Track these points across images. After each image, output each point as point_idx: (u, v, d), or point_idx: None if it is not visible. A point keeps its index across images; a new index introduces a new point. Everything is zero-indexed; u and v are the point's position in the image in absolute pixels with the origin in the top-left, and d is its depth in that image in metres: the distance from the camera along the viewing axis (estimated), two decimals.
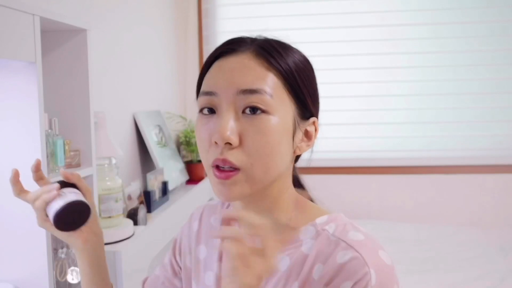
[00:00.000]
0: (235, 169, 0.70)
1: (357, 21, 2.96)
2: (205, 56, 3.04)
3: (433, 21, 2.92)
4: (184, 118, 2.72)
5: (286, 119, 0.72)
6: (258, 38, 0.77)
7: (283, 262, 0.75)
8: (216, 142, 0.70)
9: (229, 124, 0.69)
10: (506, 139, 2.94)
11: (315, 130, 0.78)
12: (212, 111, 0.73)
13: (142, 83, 2.28)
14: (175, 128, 2.67)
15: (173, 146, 2.49)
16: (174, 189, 2.34)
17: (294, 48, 0.77)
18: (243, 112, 0.70)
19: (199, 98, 0.75)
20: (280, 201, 0.77)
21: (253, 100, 0.70)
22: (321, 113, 0.81)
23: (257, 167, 0.70)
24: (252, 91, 0.70)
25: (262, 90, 0.70)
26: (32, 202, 0.80)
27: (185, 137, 2.64)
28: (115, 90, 1.96)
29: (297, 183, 0.85)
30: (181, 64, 2.94)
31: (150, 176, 1.99)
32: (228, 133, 0.69)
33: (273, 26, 2.94)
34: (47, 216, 0.80)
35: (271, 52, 0.73)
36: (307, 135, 0.77)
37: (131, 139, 2.11)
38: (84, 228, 0.83)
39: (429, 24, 2.92)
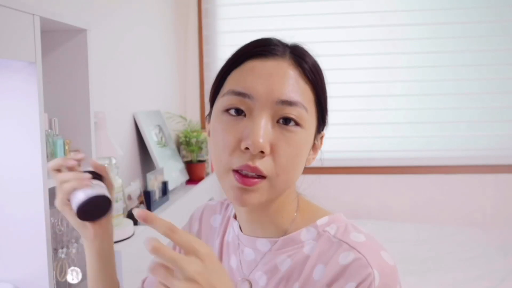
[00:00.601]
0: (260, 176, 0.68)
1: (357, 21, 2.96)
2: (205, 56, 3.05)
3: (433, 21, 2.91)
4: (184, 118, 2.72)
5: (311, 133, 0.74)
6: (287, 43, 0.75)
7: (284, 263, 0.76)
8: (247, 148, 0.67)
9: (266, 132, 0.67)
10: (506, 139, 2.94)
11: (321, 143, 0.79)
12: (239, 112, 0.70)
13: (142, 83, 2.28)
14: (175, 128, 2.67)
15: (173, 146, 2.49)
16: (174, 189, 2.34)
17: (314, 57, 0.77)
18: (277, 121, 0.69)
19: (226, 96, 0.71)
20: (284, 206, 0.77)
21: (291, 112, 0.69)
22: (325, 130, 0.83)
23: (282, 177, 0.70)
24: (291, 103, 0.69)
25: (301, 104, 0.70)
26: (60, 183, 0.79)
27: (185, 137, 2.64)
28: (115, 90, 1.96)
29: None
30: (181, 64, 2.94)
31: (150, 176, 1.99)
32: (263, 141, 0.66)
33: (273, 26, 2.94)
34: (68, 200, 0.80)
35: (307, 62, 0.73)
36: (314, 148, 0.78)
37: (131, 139, 2.11)
38: (100, 221, 0.84)
39: (429, 24, 2.92)
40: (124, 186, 1.75)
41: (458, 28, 2.91)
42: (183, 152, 2.67)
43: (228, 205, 0.90)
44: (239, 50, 0.74)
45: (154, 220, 0.56)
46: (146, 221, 0.56)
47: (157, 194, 2.02)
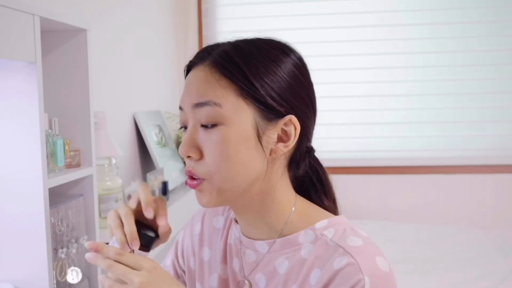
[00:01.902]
0: (198, 179, 0.74)
1: (357, 21, 2.96)
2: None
3: (433, 21, 2.91)
4: None
5: (243, 126, 0.71)
6: (222, 44, 0.75)
7: (282, 265, 0.76)
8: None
9: (188, 139, 0.73)
10: (506, 139, 2.94)
11: (295, 128, 0.74)
12: (186, 128, 0.76)
13: (142, 83, 2.28)
14: (175, 128, 2.67)
15: (173, 146, 2.49)
16: (174, 189, 2.34)
17: (256, 41, 0.75)
18: (202, 125, 0.72)
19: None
20: (269, 205, 0.76)
21: (204, 113, 0.71)
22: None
23: (218, 177, 0.72)
24: (202, 104, 0.71)
25: (211, 102, 0.71)
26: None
27: None
28: (115, 90, 1.96)
29: (301, 186, 0.83)
30: (181, 64, 2.94)
31: (150, 176, 1.99)
32: (185, 148, 0.73)
33: (273, 26, 2.94)
34: None
35: (224, 58, 0.72)
36: (286, 135, 0.74)
37: (131, 139, 2.11)
38: None
39: (429, 24, 2.92)
40: (124, 186, 1.75)
41: (458, 28, 2.91)
42: None
43: (230, 208, 0.90)
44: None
45: (103, 248, 0.70)
46: (97, 251, 0.70)
47: (157, 194, 2.02)
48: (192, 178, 0.74)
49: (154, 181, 2.02)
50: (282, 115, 0.73)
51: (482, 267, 2.10)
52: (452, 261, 2.19)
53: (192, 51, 3.00)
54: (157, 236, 0.77)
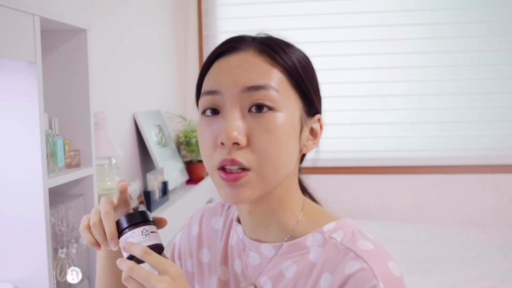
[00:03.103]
0: (244, 169, 0.67)
1: (357, 21, 2.96)
2: (205, 56, 3.04)
3: (432, 21, 2.91)
4: (184, 118, 2.72)
5: (293, 115, 0.71)
6: (259, 36, 0.75)
7: (290, 269, 0.74)
8: (222, 143, 0.67)
9: (235, 123, 0.67)
10: (506, 139, 2.94)
11: (320, 127, 0.76)
12: (215, 112, 0.70)
13: (142, 83, 2.28)
14: (175, 128, 2.67)
15: (173, 146, 2.49)
16: (174, 189, 2.34)
17: (295, 46, 0.76)
18: (249, 110, 0.68)
19: (201, 98, 0.73)
20: (286, 202, 0.75)
21: (259, 97, 0.67)
22: (321, 113, 0.80)
23: (267, 166, 0.68)
24: (257, 88, 0.68)
25: (268, 86, 0.68)
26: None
27: (185, 137, 2.64)
28: (115, 90, 1.96)
29: (301, 186, 0.82)
30: (181, 64, 2.94)
31: (150, 176, 1.99)
32: (235, 133, 0.66)
33: (273, 26, 2.91)
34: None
35: (274, 48, 0.72)
36: (313, 133, 0.75)
37: (131, 139, 2.11)
38: None
39: (429, 24, 2.92)
40: None
41: (458, 28, 2.91)
42: (183, 152, 2.67)
43: (229, 207, 0.88)
44: (211, 52, 0.75)
45: (132, 246, 0.68)
46: (125, 250, 0.69)
47: (157, 194, 2.02)
48: (227, 172, 0.68)
49: (154, 181, 2.02)
50: (316, 113, 0.75)
51: (482, 267, 2.10)
52: (452, 261, 2.19)
53: (192, 51, 3.00)
54: (144, 219, 0.73)
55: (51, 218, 1.18)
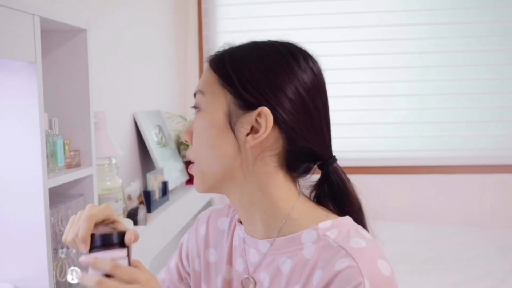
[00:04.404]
0: (192, 162, 0.81)
1: (357, 21, 2.96)
2: (205, 56, 3.04)
3: (433, 21, 2.91)
4: (184, 118, 2.72)
5: (216, 112, 0.76)
6: (224, 46, 0.81)
7: (285, 264, 0.75)
8: None
9: (190, 125, 0.81)
10: (506, 139, 2.93)
11: (266, 120, 0.72)
12: None
13: (142, 83, 2.28)
14: (175, 128, 2.67)
15: (173, 146, 2.49)
16: (174, 189, 2.34)
17: (254, 42, 0.79)
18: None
19: None
20: (264, 202, 0.76)
21: (195, 100, 0.80)
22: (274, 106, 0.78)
23: (199, 160, 0.79)
24: (195, 94, 0.79)
25: (199, 90, 0.78)
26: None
27: None
28: (115, 90, 1.96)
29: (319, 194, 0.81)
30: (181, 64, 2.94)
31: (150, 176, 1.99)
32: (183, 133, 0.82)
33: (273, 26, 2.94)
34: None
35: (217, 55, 0.79)
36: (253, 129, 0.73)
37: (131, 139, 2.11)
38: None
39: (429, 24, 2.92)
40: (124, 186, 1.75)
41: (458, 28, 2.91)
42: (183, 152, 2.67)
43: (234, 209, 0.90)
44: None
45: (97, 262, 0.66)
46: (90, 265, 0.67)
47: (157, 194, 2.02)
48: (191, 162, 0.81)
49: (154, 181, 2.02)
50: (254, 107, 0.73)
51: (482, 267, 2.10)
52: (452, 261, 2.19)
53: (192, 51, 3.00)
54: (120, 242, 0.70)
55: (51, 218, 1.18)
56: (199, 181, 0.80)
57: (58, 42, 1.31)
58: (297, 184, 0.80)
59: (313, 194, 0.82)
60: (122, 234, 0.71)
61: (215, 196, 2.74)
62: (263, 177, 0.76)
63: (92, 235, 0.70)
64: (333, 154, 0.80)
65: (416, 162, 2.97)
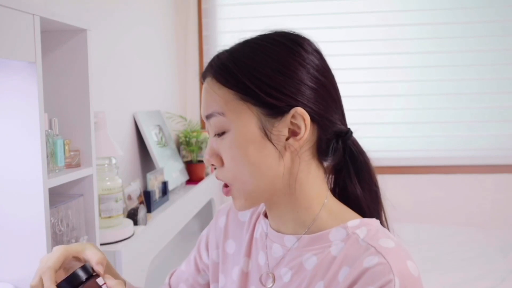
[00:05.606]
0: (227, 185, 0.77)
1: (357, 21, 2.96)
2: (205, 56, 3.05)
3: (432, 21, 2.92)
4: (184, 118, 2.72)
5: (248, 128, 0.71)
6: (222, 52, 0.76)
7: (309, 261, 0.75)
8: None
9: (209, 148, 0.77)
10: (506, 139, 2.94)
11: (304, 119, 0.71)
12: None
13: (142, 83, 2.28)
14: (175, 128, 2.67)
15: (173, 146, 2.49)
16: (174, 189, 2.34)
17: (251, 40, 0.76)
18: (215, 134, 0.76)
19: None
20: (298, 200, 0.76)
21: (213, 124, 0.75)
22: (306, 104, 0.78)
23: (238, 180, 0.74)
24: (208, 117, 0.75)
25: (214, 113, 0.74)
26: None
27: (185, 137, 2.64)
28: (115, 90, 1.96)
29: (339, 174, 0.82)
30: (181, 64, 2.94)
31: (150, 176, 1.99)
32: (207, 156, 0.77)
33: (273, 26, 2.93)
34: None
35: (220, 67, 0.74)
36: (299, 128, 0.72)
37: (131, 139, 2.11)
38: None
39: (429, 24, 2.92)
40: (124, 186, 1.75)
41: (458, 28, 2.91)
42: (183, 152, 2.67)
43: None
44: None
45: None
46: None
47: (157, 194, 2.02)
48: (225, 185, 0.78)
49: (154, 181, 2.02)
50: (285, 110, 0.71)
51: (482, 267, 2.10)
52: (452, 261, 2.19)
53: (192, 51, 3.00)
54: (89, 274, 0.71)
55: (51, 218, 1.18)
56: (244, 202, 0.76)
57: (58, 42, 1.31)
58: (327, 176, 0.80)
59: (335, 178, 0.82)
60: (86, 267, 0.72)
61: (215, 196, 2.74)
62: (300, 176, 0.75)
63: (59, 284, 0.70)
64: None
65: (416, 162, 2.97)
